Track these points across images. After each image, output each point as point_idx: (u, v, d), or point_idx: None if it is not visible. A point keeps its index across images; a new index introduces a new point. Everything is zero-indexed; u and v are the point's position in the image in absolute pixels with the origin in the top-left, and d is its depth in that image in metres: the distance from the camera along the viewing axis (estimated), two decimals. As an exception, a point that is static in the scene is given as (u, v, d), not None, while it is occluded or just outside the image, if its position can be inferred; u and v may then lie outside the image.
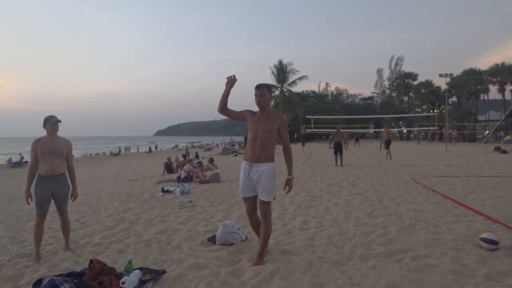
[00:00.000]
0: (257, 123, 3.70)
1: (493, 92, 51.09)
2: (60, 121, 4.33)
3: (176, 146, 62.32)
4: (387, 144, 18.31)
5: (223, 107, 3.76)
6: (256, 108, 3.81)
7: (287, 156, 3.80)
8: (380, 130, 24.70)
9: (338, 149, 14.86)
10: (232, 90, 3.75)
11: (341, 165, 14.42)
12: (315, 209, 6.35)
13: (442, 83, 54.18)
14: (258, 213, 3.87)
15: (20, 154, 33.21)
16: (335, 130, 15.62)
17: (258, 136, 3.67)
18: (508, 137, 37.38)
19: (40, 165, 4.26)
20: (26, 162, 30.91)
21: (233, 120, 4.00)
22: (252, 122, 3.73)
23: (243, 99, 3.87)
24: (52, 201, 4.39)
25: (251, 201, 3.85)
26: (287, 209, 6.37)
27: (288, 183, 3.80)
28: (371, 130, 52.05)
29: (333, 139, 15.35)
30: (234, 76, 3.75)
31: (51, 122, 4.25)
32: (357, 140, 36.18)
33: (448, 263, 3.46)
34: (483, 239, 3.89)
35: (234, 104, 3.82)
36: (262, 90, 3.68)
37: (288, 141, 3.83)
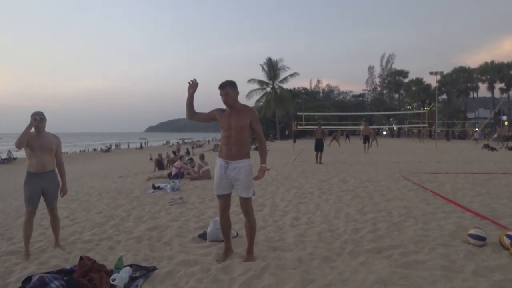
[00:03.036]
0: (228, 120, 3.62)
1: (483, 90, 51.69)
2: (42, 118, 4.22)
3: (167, 142, 62.11)
4: (365, 139, 20.34)
5: (191, 114, 3.73)
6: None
7: (262, 148, 3.74)
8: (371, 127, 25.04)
9: (318, 146, 14.46)
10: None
11: (320, 162, 14.02)
12: (305, 205, 6.37)
13: (432, 81, 54.65)
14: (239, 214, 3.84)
15: (9, 151, 32.82)
16: (316, 127, 15.24)
17: (231, 134, 3.60)
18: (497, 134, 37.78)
19: (30, 162, 4.21)
20: (15, 158, 30.58)
21: (205, 122, 3.94)
22: (223, 120, 3.65)
23: (239, 97, 3.83)
24: (42, 198, 4.35)
25: (225, 199, 3.80)
26: (278, 206, 6.39)
27: (261, 170, 3.62)
28: (362, 127, 52.24)
29: (314, 136, 14.93)
30: (195, 80, 3.72)
31: (33, 117, 4.15)
32: (347, 136, 36.33)
33: (437, 259, 3.50)
34: (471, 235, 3.94)
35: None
36: (225, 89, 3.59)
37: (261, 134, 3.73)
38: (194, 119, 3.77)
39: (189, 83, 3.71)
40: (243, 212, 3.77)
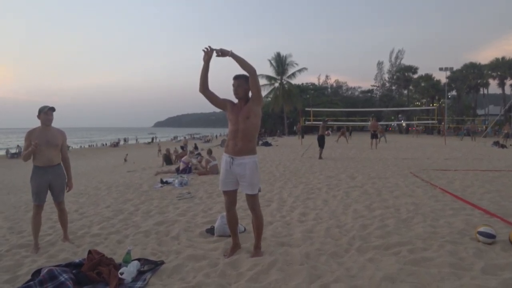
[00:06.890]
0: (237, 114, 3.59)
1: (493, 87, 50.99)
2: (53, 109, 4.31)
3: (175, 137, 62.37)
4: (373, 135, 20.56)
5: (204, 86, 3.62)
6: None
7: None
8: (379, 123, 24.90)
9: (318, 142, 14.91)
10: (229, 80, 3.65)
11: (320, 157, 14.39)
12: (313, 201, 6.36)
13: (442, 77, 53.98)
14: (248, 209, 3.82)
15: (18, 146, 33.15)
16: (321, 123, 15.58)
17: (239, 128, 3.56)
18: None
19: (36, 156, 4.25)
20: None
21: (212, 105, 3.83)
22: (233, 113, 3.61)
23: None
24: (49, 192, 4.39)
25: (231, 195, 3.78)
26: (285, 201, 6.38)
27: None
28: (370, 123, 51.85)
29: (319, 132, 15.31)
30: (210, 47, 3.53)
31: (44, 111, 4.24)
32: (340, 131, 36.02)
33: (445, 256, 3.47)
34: (480, 233, 3.90)
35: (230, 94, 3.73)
36: (239, 80, 3.58)
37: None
38: (205, 94, 3.66)
39: (203, 50, 3.55)
40: (249, 209, 3.76)
